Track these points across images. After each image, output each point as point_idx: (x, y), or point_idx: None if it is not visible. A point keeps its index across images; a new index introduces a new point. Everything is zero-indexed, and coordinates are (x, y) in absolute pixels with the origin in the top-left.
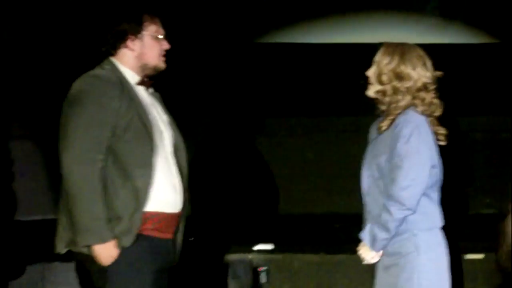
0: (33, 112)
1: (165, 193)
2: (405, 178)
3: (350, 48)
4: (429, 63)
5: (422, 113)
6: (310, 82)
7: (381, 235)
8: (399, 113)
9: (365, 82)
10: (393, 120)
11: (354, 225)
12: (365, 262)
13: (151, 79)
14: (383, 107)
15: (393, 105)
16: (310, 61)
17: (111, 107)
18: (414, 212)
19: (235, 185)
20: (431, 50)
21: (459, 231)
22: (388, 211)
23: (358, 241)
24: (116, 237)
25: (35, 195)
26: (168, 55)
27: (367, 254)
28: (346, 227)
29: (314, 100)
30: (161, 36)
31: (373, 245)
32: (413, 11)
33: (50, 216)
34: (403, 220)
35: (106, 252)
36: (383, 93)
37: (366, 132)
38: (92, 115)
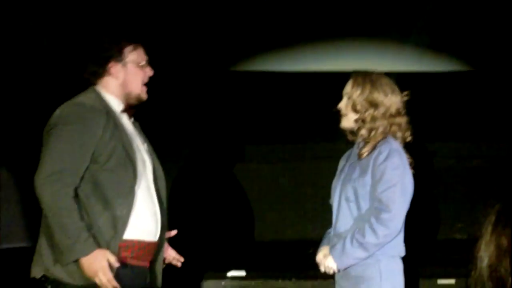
0: (14, 140)
1: (146, 221)
2: (399, 203)
3: (323, 76)
4: (397, 89)
5: (400, 139)
6: (284, 110)
7: (358, 254)
8: (380, 140)
9: (338, 113)
10: (374, 146)
11: None
12: (329, 271)
13: (133, 108)
14: (361, 135)
15: (373, 132)
16: (285, 89)
17: (94, 133)
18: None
19: (210, 211)
20: (403, 79)
21: (431, 256)
22: (375, 233)
23: None
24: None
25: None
26: (147, 84)
27: (333, 265)
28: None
29: (288, 127)
30: (144, 63)
31: (341, 261)
32: (385, 39)
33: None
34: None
35: (95, 264)
36: (363, 120)
37: (339, 159)
38: (72, 138)
